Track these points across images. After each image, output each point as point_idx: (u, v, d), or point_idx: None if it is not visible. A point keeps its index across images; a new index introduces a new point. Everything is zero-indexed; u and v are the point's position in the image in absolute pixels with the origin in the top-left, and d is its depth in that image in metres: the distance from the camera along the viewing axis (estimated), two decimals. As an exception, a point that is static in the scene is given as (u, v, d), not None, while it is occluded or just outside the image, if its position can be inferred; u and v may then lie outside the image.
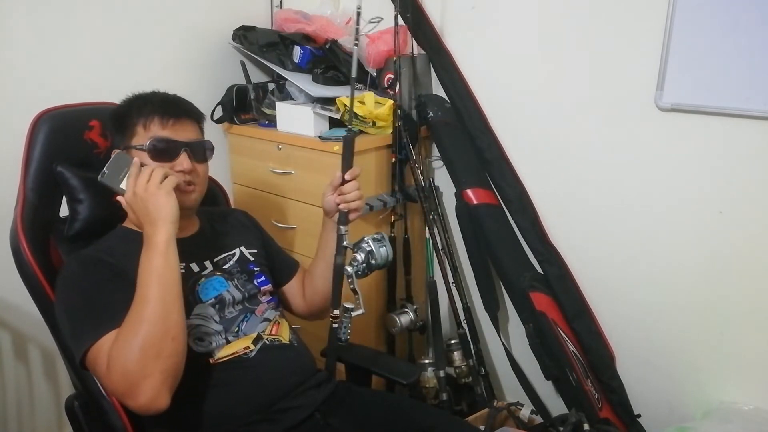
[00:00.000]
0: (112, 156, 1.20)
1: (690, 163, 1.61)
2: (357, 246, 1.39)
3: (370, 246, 1.38)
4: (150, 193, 1.13)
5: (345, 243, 1.40)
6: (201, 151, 1.31)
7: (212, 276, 1.32)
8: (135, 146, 1.24)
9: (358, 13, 1.55)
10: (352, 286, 1.38)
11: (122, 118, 1.28)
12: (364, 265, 1.38)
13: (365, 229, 1.67)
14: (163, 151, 1.24)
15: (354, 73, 1.51)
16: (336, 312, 1.45)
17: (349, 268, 1.37)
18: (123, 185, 1.17)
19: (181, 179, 1.24)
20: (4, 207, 1.38)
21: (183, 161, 1.26)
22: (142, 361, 1.03)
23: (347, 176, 1.39)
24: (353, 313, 1.40)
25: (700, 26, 1.51)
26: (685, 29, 1.52)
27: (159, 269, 1.10)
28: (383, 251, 1.39)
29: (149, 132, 1.24)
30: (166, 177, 1.16)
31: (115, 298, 1.12)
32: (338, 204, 1.39)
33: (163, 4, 2.03)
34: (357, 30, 1.56)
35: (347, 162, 1.41)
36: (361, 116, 1.88)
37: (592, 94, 1.74)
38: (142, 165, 1.19)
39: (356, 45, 1.53)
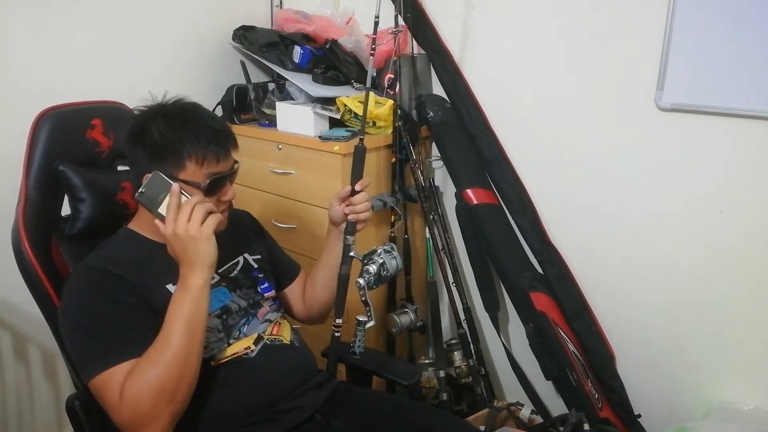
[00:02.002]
0: (150, 176, 1.14)
1: (690, 163, 1.61)
2: (369, 258, 1.36)
3: (382, 258, 1.36)
4: (191, 237, 1.08)
5: (352, 253, 1.39)
6: (237, 174, 1.28)
7: (217, 287, 1.30)
8: (188, 181, 1.16)
9: (376, 23, 1.57)
10: (363, 298, 1.35)
11: (168, 146, 1.17)
12: (376, 276, 1.36)
13: (365, 229, 1.65)
14: (217, 187, 1.21)
15: (369, 83, 1.52)
16: (339, 321, 1.44)
17: (361, 281, 1.34)
18: (162, 210, 1.12)
19: (223, 208, 1.23)
20: (6, 206, 1.37)
21: (228, 191, 1.24)
22: (155, 404, 1.04)
23: (357, 187, 1.38)
24: (366, 326, 1.37)
25: (700, 26, 1.51)
26: (685, 29, 1.53)
27: (189, 314, 1.08)
28: (394, 263, 1.37)
29: (205, 169, 1.18)
30: (208, 214, 1.11)
31: (123, 323, 1.12)
32: (347, 214, 1.38)
33: (163, 4, 2.03)
34: (374, 40, 1.58)
35: (357, 173, 1.41)
36: (360, 116, 1.88)
37: (593, 94, 1.75)
38: (181, 191, 1.13)
39: (372, 55, 1.55)
